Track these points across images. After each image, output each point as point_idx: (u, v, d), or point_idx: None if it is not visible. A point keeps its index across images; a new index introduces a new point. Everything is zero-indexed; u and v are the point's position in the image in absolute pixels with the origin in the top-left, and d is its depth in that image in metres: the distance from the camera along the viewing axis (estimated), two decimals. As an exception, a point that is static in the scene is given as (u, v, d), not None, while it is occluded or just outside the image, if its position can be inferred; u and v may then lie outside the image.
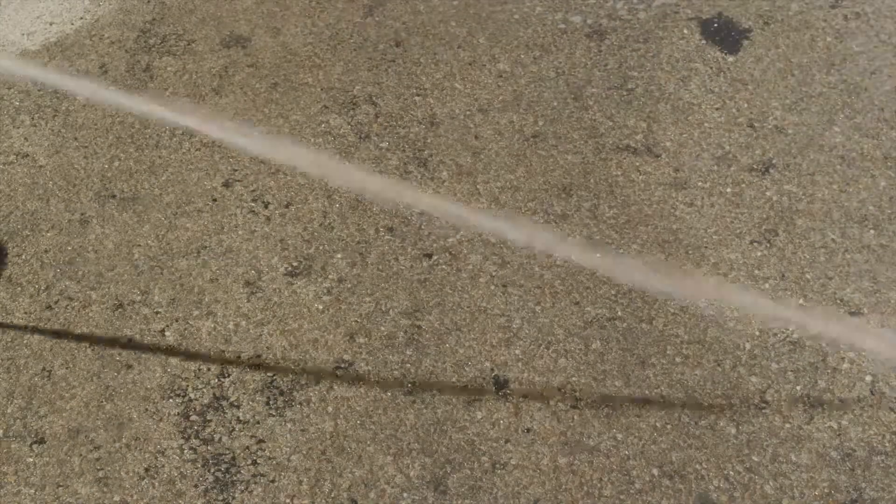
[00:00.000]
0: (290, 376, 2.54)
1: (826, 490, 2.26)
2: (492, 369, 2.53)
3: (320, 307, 2.69)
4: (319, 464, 2.37)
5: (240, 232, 2.90)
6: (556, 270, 2.74)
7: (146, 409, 2.49)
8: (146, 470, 2.37)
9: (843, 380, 2.46)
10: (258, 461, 2.38)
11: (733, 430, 2.38)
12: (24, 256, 2.87)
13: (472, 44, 3.43)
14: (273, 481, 2.34)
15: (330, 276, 2.76)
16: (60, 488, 2.34)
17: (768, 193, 2.91)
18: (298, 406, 2.48)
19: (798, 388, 2.46)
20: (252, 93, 3.32)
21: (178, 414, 2.48)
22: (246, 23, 3.59)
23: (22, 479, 2.37)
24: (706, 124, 3.12)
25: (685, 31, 3.43)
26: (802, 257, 2.74)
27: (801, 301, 2.64)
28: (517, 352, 2.56)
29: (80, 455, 2.41)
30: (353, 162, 3.07)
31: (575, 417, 2.42)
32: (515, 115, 3.18)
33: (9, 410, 2.50)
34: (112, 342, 2.64)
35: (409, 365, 2.55)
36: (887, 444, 2.33)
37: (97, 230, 2.93)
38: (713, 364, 2.51)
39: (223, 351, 2.60)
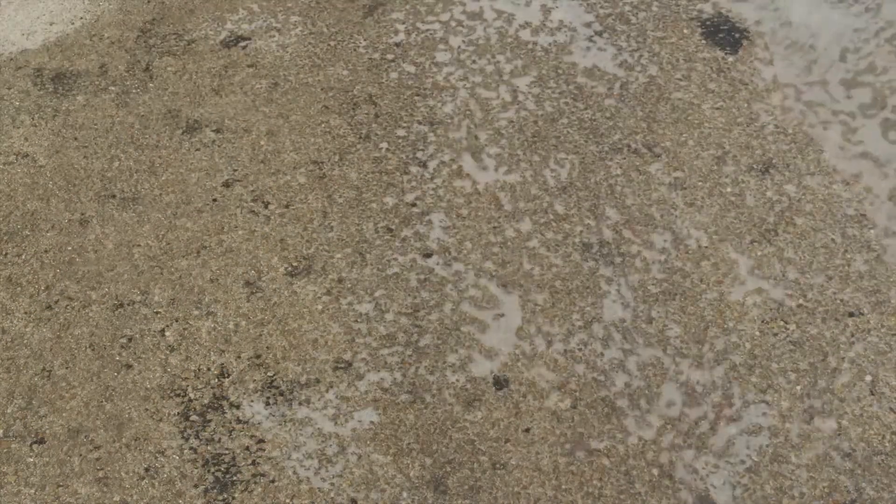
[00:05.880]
0: (290, 376, 2.54)
1: (826, 490, 2.26)
2: (492, 369, 2.53)
3: (320, 307, 2.69)
4: (320, 464, 2.37)
5: (240, 232, 2.90)
6: (556, 270, 2.74)
7: (146, 409, 2.49)
8: (146, 470, 2.37)
9: (843, 380, 2.46)
10: (258, 461, 2.38)
11: (732, 430, 2.38)
12: (24, 256, 2.87)
13: (473, 43, 3.43)
14: (273, 481, 2.34)
15: (330, 276, 2.76)
16: (60, 488, 2.35)
17: (768, 193, 2.91)
18: (298, 406, 2.48)
19: (798, 388, 2.46)
20: (252, 93, 3.32)
21: (178, 414, 2.48)
22: (246, 23, 3.59)
23: (22, 479, 2.37)
24: (706, 124, 3.12)
25: (685, 31, 3.43)
26: (802, 257, 2.74)
27: (801, 301, 2.64)
28: (517, 352, 2.56)
29: (80, 455, 2.41)
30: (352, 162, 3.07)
31: (575, 417, 2.42)
32: (515, 114, 3.18)
33: (9, 410, 2.51)
34: (112, 342, 2.64)
35: (408, 365, 2.55)
36: (887, 444, 2.33)
37: (97, 230, 2.93)
38: (713, 364, 2.51)
39: (223, 351, 2.60)
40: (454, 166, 3.03)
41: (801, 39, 3.38)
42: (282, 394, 2.50)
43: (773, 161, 3.00)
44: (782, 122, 3.12)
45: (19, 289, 2.79)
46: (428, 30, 3.46)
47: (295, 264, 2.80)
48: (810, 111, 3.14)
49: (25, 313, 2.72)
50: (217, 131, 3.22)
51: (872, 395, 2.43)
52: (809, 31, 3.39)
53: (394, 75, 3.32)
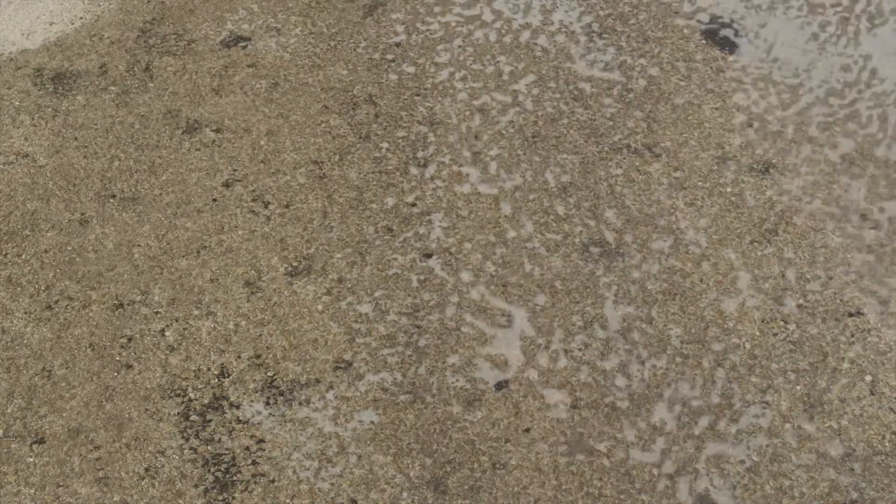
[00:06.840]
0: (290, 376, 2.54)
1: (826, 490, 2.27)
2: (491, 369, 2.53)
3: (320, 307, 2.69)
4: (320, 464, 2.37)
5: (240, 232, 2.90)
6: (556, 270, 2.74)
7: (146, 409, 2.49)
8: (146, 470, 2.37)
9: (843, 380, 2.46)
10: (258, 461, 2.38)
11: (733, 430, 2.38)
12: (24, 256, 2.87)
13: (473, 43, 3.43)
14: (273, 481, 2.34)
15: (330, 276, 2.76)
16: (60, 488, 2.35)
17: (768, 193, 2.91)
18: (298, 406, 2.48)
19: (798, 388, 2.46)
20: (252, 93, 3.33)
21: (178, 414, 2.48)
22: (246, 23, 3.59)
23: (22, 479, 2.37)
24: (706, 124, 3.12)
25: (685, 31, 3.43)
26: (802, 257, 2.74)
27: (801, 301, 2.64)
28: (517, 352, 2.56)
29: (80, 455, 2.41)
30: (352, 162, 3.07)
31: (575, 417, 2.43)
32: (515, 115, 3.18)
33: (9, 410, 2.51)
34: (112, 342, 2.64)
35: (408, 365, 2.55)
36: (887, 444, 2.34)
37: (97, 230, 2.93)
38: (713, 364, 2.51)
39: (223, 351, 2.60)
40: (454, 167, 3.03)
41: (801, 40, 3.38)
42: (282, 394, 2.51)
43: (773, 161, 3.00)
44: (783, 121, 3.12)
45: (19, 289, 2.79)
46: (428, 30, 3.47)
47: (295, 264, 2.80)
48: (811, 110, 3.14)
49: (25, 313, 2.72)
50: (217, 131, 3.22)
51: (872, 395, 2.43)
52: (809, 32, 3.39)
53: (394, 76, 3.32)
